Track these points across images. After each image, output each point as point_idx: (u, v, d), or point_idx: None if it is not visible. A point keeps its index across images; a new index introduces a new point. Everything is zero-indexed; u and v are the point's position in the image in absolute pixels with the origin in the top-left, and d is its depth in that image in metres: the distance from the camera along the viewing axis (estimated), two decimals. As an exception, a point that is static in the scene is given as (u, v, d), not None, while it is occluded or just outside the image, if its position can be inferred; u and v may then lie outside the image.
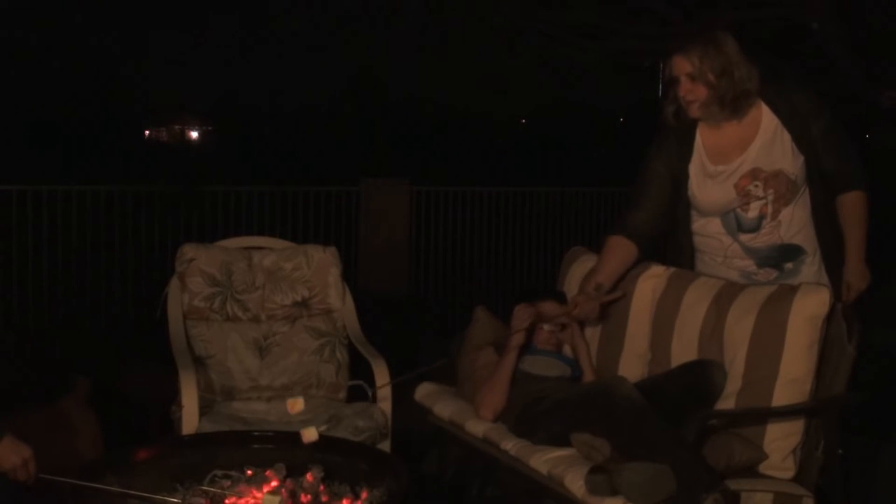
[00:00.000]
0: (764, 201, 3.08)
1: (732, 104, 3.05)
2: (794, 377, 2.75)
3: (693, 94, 3.05)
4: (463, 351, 3.57)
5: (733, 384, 2.86)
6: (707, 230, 3.21)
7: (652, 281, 3.30)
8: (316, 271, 3.91)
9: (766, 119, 3.08)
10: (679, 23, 8.06)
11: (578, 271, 3.64)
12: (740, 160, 3.09)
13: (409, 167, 11.42)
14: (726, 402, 2.86)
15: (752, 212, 3.10)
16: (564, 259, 3.79)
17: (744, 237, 3.13)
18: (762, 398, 2.78)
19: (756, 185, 3.08)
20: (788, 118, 3.07)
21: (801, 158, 3.07)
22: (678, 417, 2.72)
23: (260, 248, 4.00)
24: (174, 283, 3.80)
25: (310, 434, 2.60)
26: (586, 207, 8.05)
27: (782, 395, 2.75)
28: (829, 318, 2.78)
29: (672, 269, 3.30)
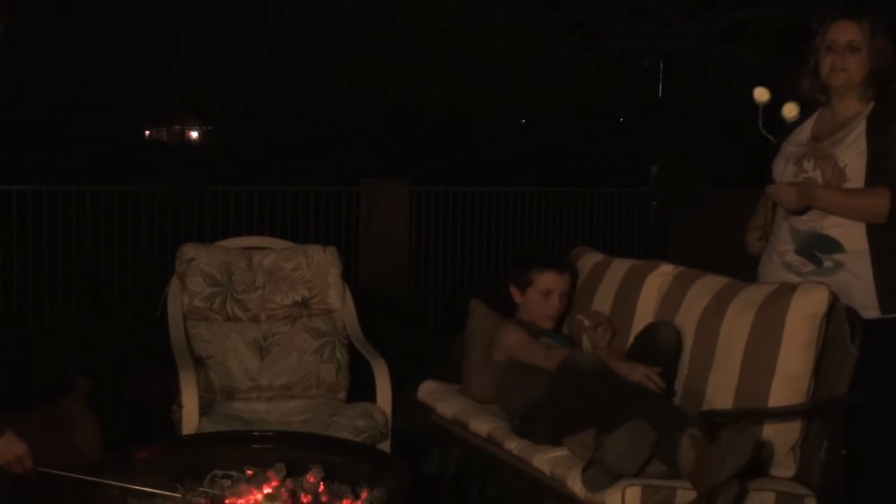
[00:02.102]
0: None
1: (874, 88, 2.97)
2: (791, 374, 2.75)
3: (848, 63, 2.96)
4: (466, 346, 3.56)
5: (730, 379, 2.86)
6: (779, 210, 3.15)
7: (659, 279, 3.31)
8: (316, 271, 3.91)
9: (864, 111, 3.00)
10: (679, 23, 8.07)
11: (581, 272, 3.65)
12: (829, 140, 3.02)
13: (409, 167, 11.42)
14: (724, 398, 2.86)
15: None
16: (568, 259, 3.78)
17: (793, 218, 3.05)
18: (759, 394, 2.78)
19: (808, 161, 3.03)
20: (880, 112, 2.96)
21: (865, 155, 2.93)
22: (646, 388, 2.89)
23: (260, 248, 4.00)
24: (174, 283, 3.80)
25: (790, 110, 2.88)
26: (586, 207, 8.06)
27: (779, 392, 2.75)
28: (831, 318, 2.77)
29: (679, 268, 3.30)
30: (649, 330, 3.14)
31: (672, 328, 3.07)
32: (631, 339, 3.26)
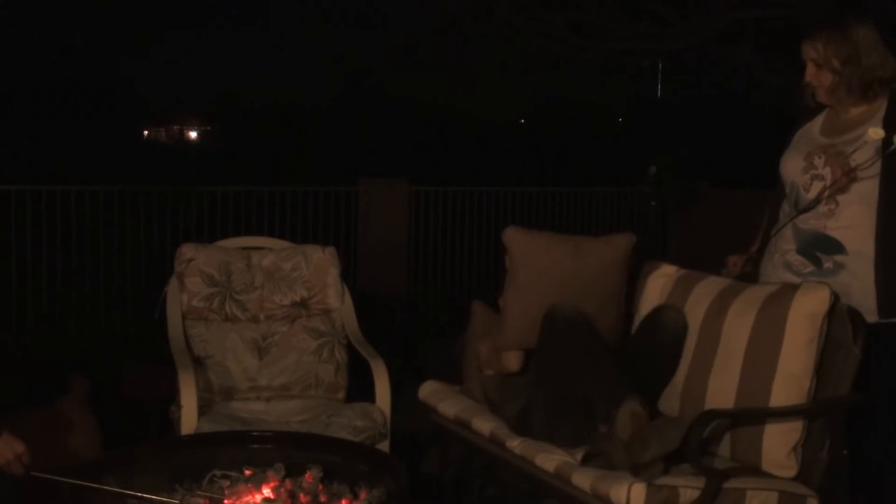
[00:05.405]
0: (823, 183, 2.98)
1: (860, 90, 2.99)
2: (792, 373, 2.74)
3: (818, 79, 3.02)
4: (468, 348, 3.56)
5: (732, 378, 2.86)
6: (784, 207, 3.15)
7: (662, 280, 3.32)
8: (315, 271, 3.91)
9: (884, 109, 2.98)
10: (679, 23, 8.07)
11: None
12: (841, 139, 3.01)
13: (409, 167, 11.42)
14: (725, 397, 2.86)
15: (812, 192, 3.01)
16: None
17: (797, 217, 3.04)
18: (760, 393, 2.77)
19: (819, 158, 3.02)
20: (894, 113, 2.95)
21: (879, 156, 2.90)
22: (651, 367, 3.06)
23: (259, 248, 4.00)
24: (173, 283, 3.80)
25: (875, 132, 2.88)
26: (586, 207, 8.06)
27: (780, 391, 2.75)
28: (832, 318, 2.77)
29: (682, 270, 3.30)
30: (655, 312, 3.18)
31: (677, 311, 3.10)
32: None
